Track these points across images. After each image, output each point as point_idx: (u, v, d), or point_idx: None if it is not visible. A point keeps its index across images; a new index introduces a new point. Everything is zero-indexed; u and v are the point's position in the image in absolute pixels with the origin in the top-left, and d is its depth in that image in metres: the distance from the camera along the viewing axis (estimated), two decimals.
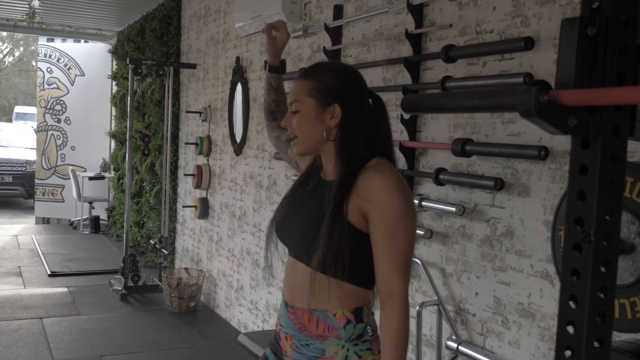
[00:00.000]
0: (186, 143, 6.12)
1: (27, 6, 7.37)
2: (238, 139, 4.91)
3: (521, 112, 1.09)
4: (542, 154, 2.11)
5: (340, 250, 1.56)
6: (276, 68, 1.99)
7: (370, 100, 1.72)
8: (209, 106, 5.60)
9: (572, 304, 1.15)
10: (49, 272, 6.49)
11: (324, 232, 1.56)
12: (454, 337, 2.52)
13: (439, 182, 2.57)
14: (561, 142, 2.10)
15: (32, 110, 23.88)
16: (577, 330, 1.14)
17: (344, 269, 1.57)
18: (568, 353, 1.16)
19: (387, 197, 1.54)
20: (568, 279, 1.17)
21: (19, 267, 6.76)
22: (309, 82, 1.67)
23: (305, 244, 1.63)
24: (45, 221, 9.87)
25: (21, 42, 29.99)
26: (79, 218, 9.22)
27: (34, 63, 29.86)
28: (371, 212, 1.56)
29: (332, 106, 1.64)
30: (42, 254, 7.33)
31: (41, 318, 5.00)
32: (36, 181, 9.82)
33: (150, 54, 6.92)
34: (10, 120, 22.89)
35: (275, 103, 2.02)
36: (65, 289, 5.92)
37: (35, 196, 9.88)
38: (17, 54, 31.02)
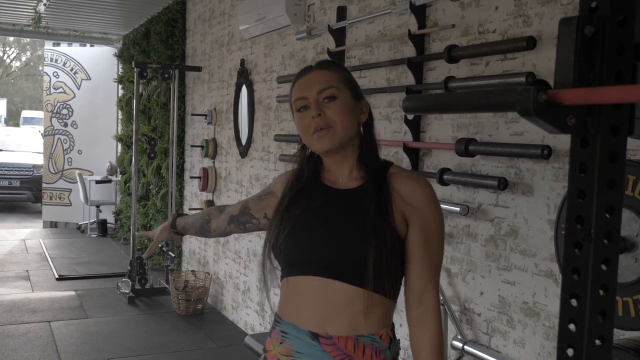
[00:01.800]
0: (192, 146, 6.14)
1: (33, 11, 7.42)
2: (243, 141, 4.93)
3: (520, 111, 1.10)
4: (545, 153, 2.11)
5: (395, 263, 1.46)
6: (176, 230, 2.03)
7: None
8: (215, 109, 5.62)
9: (573, 302, 1.16)
10: (56, 276, 6.53)
11: (378, 244, 1.42)
12: (459, 337, 2.53)
13: (443, 182, 2.57)
14: (564, 141, 2.10)
15: (39, 114, 23.96)
16: (578, 329, 1.14)
17: (393, 284, 1.47)
18: (570, 351, 1.16)
19: (430, 205, 1.50)
20: (569, 277, 1.18)
21: (27, 271, 6.80)
22: (337, 73, 1.55)
23: (349, 261, 1.45)
24: (53, 225, 9.93)
25: (28, 47, 30.16)
26: (87, 222, 9.27)
27: (40, 67, 30.02)
28: (412, 217, 1.48)
29: (362, 101, 1.57)
30: (50, 258, 7.37)
31: (49, 322, 5.03)
32: (43, 185, 9.87)
33: (156, 57, 6.95)
34: (17, 125, 23.01)
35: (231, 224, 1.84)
36: (73, 293, 5.95)
37: (43, 200, 9.93)
38: (24, 58, 31.20)
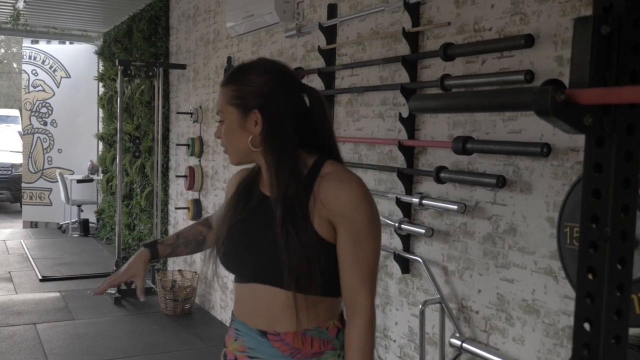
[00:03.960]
0: (177, 144, 6.08)
1: (12, 8, 7.29)
2: None
3: (537, 111, 1.10)
4: (545, 150, 2.12)
5: (313, 264, 1.47)
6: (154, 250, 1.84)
7: (305, 97, 1.59)
8: (200, 107, 5.57)
9: (588, 302, 1.16)
10: (40, 277, 6.44)
11: (291, 247, 1.46)
12: (457, 335, 2.53)
13: (439, 181, 2.57)
14: (563, 139, 2.11)
15: (14, 112, 23.59)
16: (593, 328, 1.14)
17: (317, 284, 1.48)
18: (585, 351, 1.17)
19: (356, 208, 1.48)
20: (584, 277, 1.18)
21: (9, 272, 6.69)
22: (229, 90, 1.56)
23: (274, 266, 1.49)
24: (33, 225, 9.79)
25: (2, 44, 29.66)
26: (68, 221, 9.15)
27: (15, 65, 29.51)
28: (338, 224, 1.49)
29: (252, 113, 1.53)
30: (32, 259, 7.27)
31: (35, 324, 4.95)
32: (23, 185, 9.72)
33: (138, 54, 6.87)
34: None
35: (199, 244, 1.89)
36: (58, 294, 5.87)
37: (23, 200, 9.78)
38: None
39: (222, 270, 1.64)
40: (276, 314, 1.52)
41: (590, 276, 1.16)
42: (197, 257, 5.66)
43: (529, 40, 2.18)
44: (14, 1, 6.99)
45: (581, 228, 1.18)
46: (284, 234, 1.47)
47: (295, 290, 1.47)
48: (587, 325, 1.15)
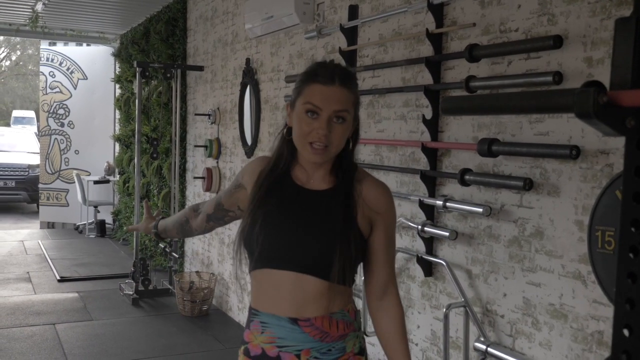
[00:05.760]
0: (196, 146, 6.09)
1: (31, 10, 7.34)
2: (249, 141, 4.89)
3: (578, 113, 1.07)
4: (574, 153, 2.09)
5: (357, 261, 1.65)
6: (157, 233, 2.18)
7: None
8: (218, 108, 5.58)
9: (627, 307, 1.14)
10: (58, 278, 6.47)
11: (343, 248, 1.58)
12: (482, 339, 2.50)
13: (464, 183, 2.54)
14: (592, 142, 2.08)
15: (30, 114, 23.80)
16: (633, 334, 1.12)
17: (353, 276, 1.65)
18: (624, 357, 1.14)
19: (391, 210, 1.70)
20: (623, 282, 1.16)
21: (28, 272, 6.73)
22: (351, 92, 1.60)
23: (321, 258, 1.58)
24: (50, 226, 9.85)
25: (18, 46, 29.93)
26: (85, 222, 9.20)
27: (30, 67, 29.77)
28: (377, 222, 1.66)
29: (357, 118, 1.68)
30: (50, 259, 7.31)
31: (54, 324, 4.98)
32: (40, 186, 9.79)
33: (156, 56, 6.89)
34: (8, 125, 22.83)
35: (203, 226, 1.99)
36: (76, 294, 5.90)
37: (40, 201, 9.85)
38: (14, 57, 30.96)
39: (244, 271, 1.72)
40: (308, 301, 1.60)
41: (630, 281, 1.14)
42: (215, 258, 5.67)
43: (557, 41, 2.16)
44: (32, 3, 7.04)
45: (621, 232, 1.16)
46: (345, 228, 1.59)
47: (339, 282, 1.59)
48: (626, 332, 1.13)
